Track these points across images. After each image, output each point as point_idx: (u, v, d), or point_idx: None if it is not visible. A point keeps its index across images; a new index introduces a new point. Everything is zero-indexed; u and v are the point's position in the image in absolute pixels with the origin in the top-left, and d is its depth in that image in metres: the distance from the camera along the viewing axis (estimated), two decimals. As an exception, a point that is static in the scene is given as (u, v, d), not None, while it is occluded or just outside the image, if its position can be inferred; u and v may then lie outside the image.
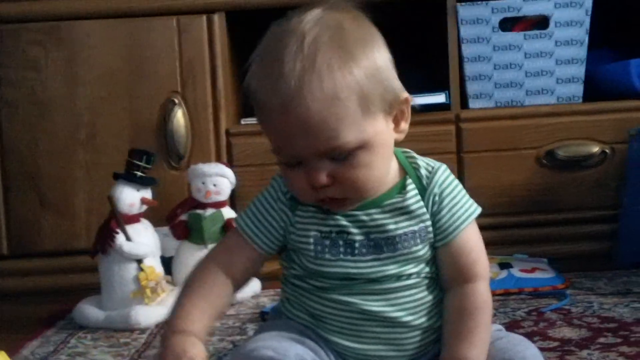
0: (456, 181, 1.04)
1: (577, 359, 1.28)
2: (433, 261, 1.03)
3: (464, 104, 2.09)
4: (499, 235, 2.01)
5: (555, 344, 1.37)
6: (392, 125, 0.99)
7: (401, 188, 1.02)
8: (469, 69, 2.08)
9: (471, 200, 1.04)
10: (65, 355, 1.50)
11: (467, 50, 2.08)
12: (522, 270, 1.78)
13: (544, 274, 1.77)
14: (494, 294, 1.68)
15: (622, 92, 2.09)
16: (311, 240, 1.01)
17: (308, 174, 0.94)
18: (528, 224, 2.04)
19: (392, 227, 1.00)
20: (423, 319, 1.02)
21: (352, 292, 1.01)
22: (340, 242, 1.00)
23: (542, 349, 1.29)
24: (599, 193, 2.04)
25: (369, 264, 1.00)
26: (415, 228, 1.01)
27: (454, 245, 1.02)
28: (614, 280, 1.81)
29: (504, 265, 1.80)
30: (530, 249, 1.99)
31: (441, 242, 1.02)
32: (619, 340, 1.37)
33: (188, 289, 1.03)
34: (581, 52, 2.07)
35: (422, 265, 1.02)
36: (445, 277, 1.03)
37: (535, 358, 1.00)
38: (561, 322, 1.50)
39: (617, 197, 2.00)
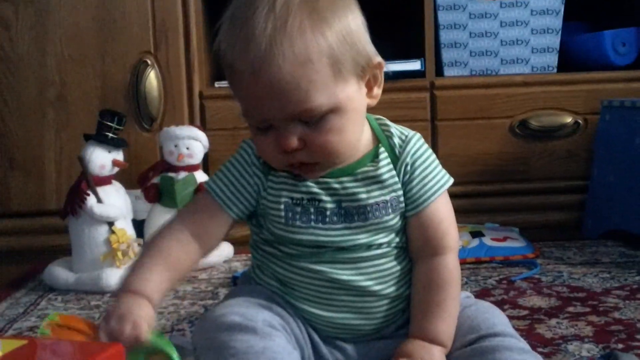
0: (429, 151, 1.04)
1: (546, 327, 1.30)
2: (403, 231, 1.03)
3: (439, 72, 2.09)
4: (471, 203, 2.02)
5: (525, 312, 1.38)
6: (364, 90, 0.98)
7: (374, 156, 1.02)
8: (445, 36, 2.08)
9: (443, 171, 1.04)
10: (35, 317, 1.48)
11: (443, 17, 2.07)
12: (493, 239, 1.79)
13: (514, 243, 1.79)
14: (465, 263, 1.72)
15: (596, 63, 2.10)
16: (282, 206, 1.01)
17: (278, 138, 0.94)
18: (499, 193, 2.06)
19: (363, 196, 1.00)
20: (392, 289, 1.03)
21: (322, 261, 1.00)
22: (312, 210, 1.00)
23: (511, 317, 1.31)
24: (570, 163, 2.05)
25: (340, 232, 1.00)
26: (387, 198, 1.01)
27: (424, 216, 1.02)
28: (583, 250, 1.83)
29: (475, 234, 1.81)
30: (501, 218, 2.00)
31: (412, 212, 1.02)
32: (587, 309, 1.38)
33: (152, 249, 0.99)
34: (556, 22, 2.07)
35: (392, 235, 1.02)
36: (415, 248, 1.04)
37: (503, 325, 1.01)
38: (531, 291, 1.52)
39: (587, 168, 2.02)
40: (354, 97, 0.95)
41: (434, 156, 1.04)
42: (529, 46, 2.08)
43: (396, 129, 1.04)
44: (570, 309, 1.39)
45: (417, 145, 1.03)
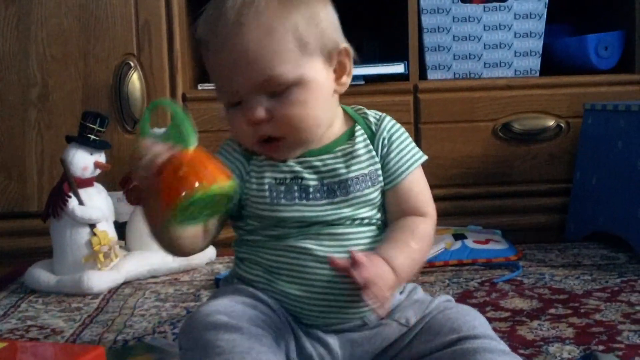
0: (403, 128, 1.09)
1: (527, 329, 1.30)
2: (384, 209, 1.06)
3: (423, 75, 2.09)
4: (454, 206, 2.03)
5: (507, 314, 1.39)
6: (332, 76, 1.03)
7: (350, 135, 1.06)
8: (428, 39, 2.08)
9: (417, 148, 1.08)
10: (15, 319, 1.47)
11: (427, 21, 2.07)
12: (475, 242, 1.80)
13: (497, 246, 1.79)
14: (447, 265, 1.72)
15: (579, 67, 2.12)
16: (266, 187, 1.03)
17: (246, 110, 0.98)
18: (482, 196, 2.06)
19: (343, 171, 1.04)
20: None
21: (307, 237, 1.02)
22: (295, 188, 1.03)
23: (493, 319, 1.32)
24: (553, 166, 2.06)
25: (324, 207, 1.03)
26: (366, 171, 1.04)
27: (402, 188, 1.05)
28: (565, 253, 1.83)
29: (458, 237, 1.82)
30: (484, 220, 2.01)
31: (390, 184, 1.05)
32: (569, 311, 1.39)
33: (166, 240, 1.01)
34: (540, 25, 2.08)
35: (374, 211, 1.05)
36: (394, 220, 1.06)
37: (484, 327, 1.01)
38: (513, 292, 1.52)
39: (570, 170, 2.03)
40: (319, 75, 1.01)
41: (407, 134, 1.09)
42: (512, 49, 2.09)
43: (370, 111, 1.09)
44: (552, 310, 1.40)
45: (392, 122, 1.08)
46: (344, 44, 1.04)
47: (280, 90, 0.98)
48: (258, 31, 0.96)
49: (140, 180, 0.92)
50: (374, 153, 1.05)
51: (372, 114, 1.09)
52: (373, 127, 1.07)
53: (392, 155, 1.05)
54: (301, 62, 0.98)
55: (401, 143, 1.06)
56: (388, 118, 1.08)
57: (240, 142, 1.05)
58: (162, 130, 1.00)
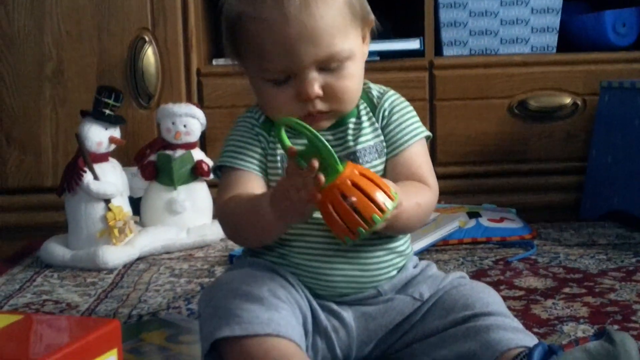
0: (407, 103, 1.09)
1: (542, 308, 1.30)
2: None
3: (438, 51, 2.08)
4: (468, 184, 2.02)
5: (521, 293, 1.38)
6: (363, 46, 1.05)
7: (354, 110, 1.07)
8: (444, 15, 2.07)
9: (420, 123, 1.09)
10: (30, 293, 1.48)
11: (443, -4, 2.06)
12: (490, 220, 1.79)
13: (511, 224, 1.79)
14: (461, 243, 1.72)
15: (596, 44, 2.09)
16: (278, 158, 1.05)
17: (301, 86, 0.99)
18: (497, 174, 2.05)
19: (351, 143, 1.05)
20: (385, 238, 1.05)
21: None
22: None
23: (507, 298, 1.32)
24: (568, 144, 2.05)
25: None
26: (371, 143, 1.05)
27: (402, 159, 1.06)
28: (579, 232, 1.83)
29: (472, 215, 1.81)
30: (499, 198, 2.00)
31: (391, 154, 1.06)
32: (583, 290, 1.38)
33: (240, 207, 1.02)
34: (557, 1, 2.06)
35: None
36: None
37: (497, 305, 1.01)
38: (527, 271, 1.52)
39: (586, 149, 2.02)
40: (361, 46, 1.04)
41: (411, 108, 1.09)
42: (529, 26, 2.07)
43: (375, 85, 1.10)
44: (566, 290, 1.39)
45: (395, 96, 1.09)
46: (372, 15, 1.05)
47: (335, 64, 0.99)
48: (324, 6, 0.97)
49: (297, 196, 0.92)
50: (376, 125, 1.06)
51: (376, 88, 1.09)
52: (375, 100, 1.08)
53: (392, 126, 1.06)
54: (352, 35, 1.01)
55: (402, 116, 1.07)
56: (392, 92, 1.09)
57: (272, 116, 1.04)
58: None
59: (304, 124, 0.92)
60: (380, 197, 0.91)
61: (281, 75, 1.00)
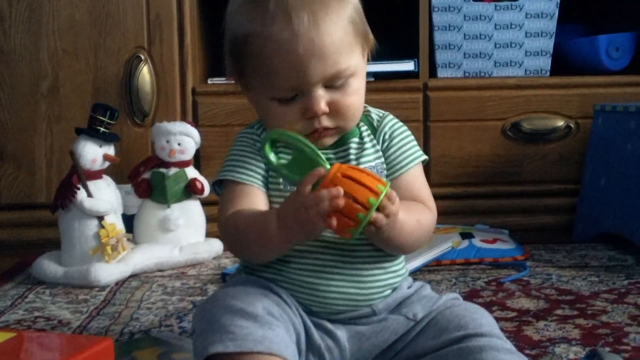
0: (405, 127, 1.11)
1: (534, 329, 1.30)
2: None
3: (433, 73, 2.09)
4: (462, 205, 2.02)
5: (513, 314, 1.39)
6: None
7: (357, 130, 1.09)
8: (439, 37, 2.08)
9: (418, 147, 1.11)
10: (22, 310, 1.48)
11: (438, 18, 2.07)
12: (483, 241, 1.79)
13: (504, 245, 1.79)
14: (454, 263, 1.72)
15: (589, 67, 2.11)
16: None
17: (307, 104, 1.00)
18: (491, 195, 2.06)
19: (354, 162, 1.06)
20: (383, 257, 1.06)
21: None
22: None
23: (500, 319, 1.32)
24: (561, 167, 2.06)
25: None
26: (373, 163, 1.07)
27: (402, 181, 1.07)
28: (572, 254, 1.83)
29: (465, 235, 1.81)
30: (492, 219, 2.00)
31: (392, 176, 1.07)
32: (575, 312, 1.39)
33: (245, 223, 1.02)
34: (551, 25, 2.08)
35: None
36: None
37: (490, 326, 1.02)
38: (520, 292, 1.52)
39: (579, 171, 2.02)
40: (363, 63, 1.05)
41: (409, 132, 1.11)
42: (523, 49, 2.08)
43: (373, 109, 1.12)
44: (559, 311, 1.40)
45: (395, 120, 1.11)
46: (371, 35, 1.07)
47: (341, 81, 1.01)
48: (331, 24, 0.99)
49: (306, 215, 0.93)
50: (378, 147, 1.08)
51: (376, 112, 1.11)
52: (375, 124, 1.09)
53: (393, 149, 1.08)
54: (356, 52, 1.03)
55: (403, 139, 1.09)
56: (391, 116, 1.11)
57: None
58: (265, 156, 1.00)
59: (287, 131, 0.97)
60: (371, 181, 0.94)
61: (288, 93, 1.01)
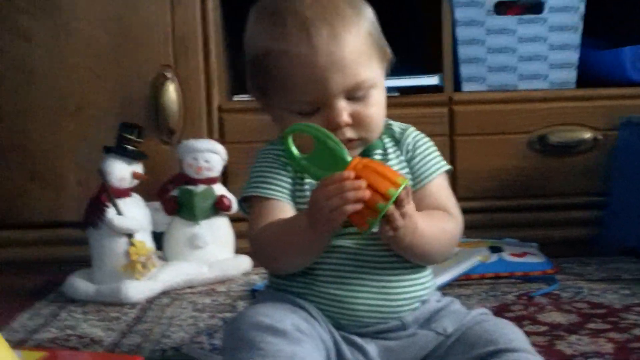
0: (427, 138, 1.13)
1: (566, 343, 1.29)
2: None
3: (457, 87, 2.09)
4: (489, 218, 2.01)
5: (545, 328, 1.38)
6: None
7: (380, 142, 1.11)
8: (463, 51, 2.08)
9: (442, 157, 1.12)
10: (55, 328, 1.49)
11: (461, 32, 2.07)
12: (512, 255, 1.79)
13: (534, 259, 1.78)
14: (484, 277, 1.71)
15: (614, 80, 2.09)
16: (306, 187, 1.06)
17: (330, 115, 1.02)
18: (518, 209, 2.05)
19: None
20: (410, 268, 1.07)
21: (344, 236, 1.04)
22: None
23: (531, 333, 1.31)
24: (589, 179, 2.04)
25: None
26: None
27: (427, 191, 1.09)
28: (603, 266, 1.82)
29: (494, 249, 1.81)
30: (520, 233, 1.99)
31: (417, 186, 1.08)
32: (608, 326, 1.38)
33: (277, 228, 1.04)
34: (575, 37, 2.07)
35: None
36: None
37: (521, 341, 1.01)
38: (550, 306, 1.51)
39: (606, 184, 2.01)
40: (382, 76, 1.08)
41: (432, 143, 1.13)
42: (548, 62, 2.08)
43: (396, 123, 1.14)
44: (591, 325, 1.39)
45: (417, 132, 1.13)
46: (389, 48, 1.09)
47: (362, 93, 1.03)
48: (350, 36, 1.01)
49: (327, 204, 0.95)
50: (402, 157, 1.10)
51: (397, 125, 1.13)
52: (397, 136, 1.12)
53: (417, 160, 1.10)
54: (375, 64, 1.05)
55: (426, 150, 1.11)
56: (412, 128, 1.13)
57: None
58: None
59: (307, 124, 0.98)
60: (391, 173, 0.95)
61: (310, 107, 1.03)
